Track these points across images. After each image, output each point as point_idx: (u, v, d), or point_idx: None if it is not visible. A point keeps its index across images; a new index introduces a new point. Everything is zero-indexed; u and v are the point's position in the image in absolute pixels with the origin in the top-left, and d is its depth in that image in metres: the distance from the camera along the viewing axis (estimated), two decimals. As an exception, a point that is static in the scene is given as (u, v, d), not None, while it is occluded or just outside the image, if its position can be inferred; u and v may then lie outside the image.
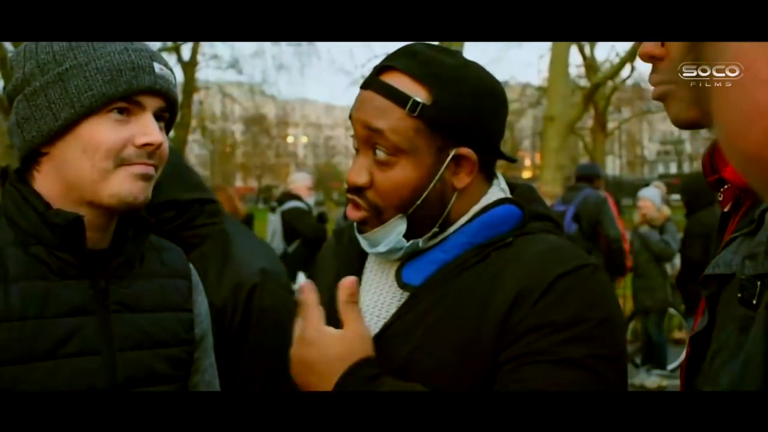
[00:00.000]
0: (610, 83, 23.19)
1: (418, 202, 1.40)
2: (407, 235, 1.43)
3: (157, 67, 1.43)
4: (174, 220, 2.22)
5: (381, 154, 1.39)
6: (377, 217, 1.43)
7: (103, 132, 1.37)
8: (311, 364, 1.35)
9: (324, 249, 1.77)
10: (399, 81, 1.40)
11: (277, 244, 8.77)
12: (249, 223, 8.30)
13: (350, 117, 1.47)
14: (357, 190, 1.43)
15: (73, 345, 1.38)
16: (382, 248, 1.44)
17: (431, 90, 1.37)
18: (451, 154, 1.40)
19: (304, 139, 74.84)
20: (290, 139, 70.30)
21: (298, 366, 1.38)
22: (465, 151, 1.40)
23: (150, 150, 1.40)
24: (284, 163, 62.04)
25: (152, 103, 1.42)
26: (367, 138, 1.41)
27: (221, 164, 56.81)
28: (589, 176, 7.81)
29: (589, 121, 28.35)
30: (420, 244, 1.44)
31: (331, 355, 1.34)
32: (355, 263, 1.58)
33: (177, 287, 1.60)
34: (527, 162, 45.99)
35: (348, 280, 1.39)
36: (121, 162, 1.38)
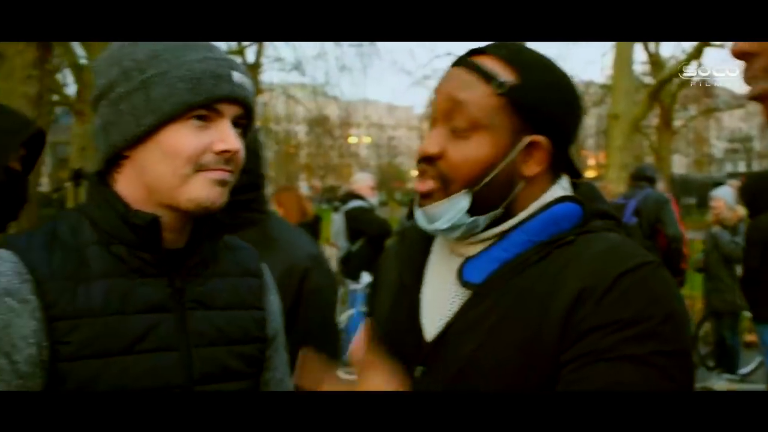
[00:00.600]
0: (676, 80, 22.77)
1: (486, 179, 1.41)
2: (470, 213, 1.43)
3: (235, 75, 1.47)
4: (240, 192, 2.30)
5: (458, 126, 1.41)
6: (444, 188, 1.43)
7: (184, 138, 1.42)
8: None
9: (387, 250, 1.80)
10: (489, 62, 1.43)
11: (342, 243, 8.85)
12: (317, 224, 8.35)
13: (435, 90, 1.49)
14: (428, 159, 1.45)
15: (150, 341, 1.44)
16: (442, 223, 1.44)
17: (520, 73, 1.41)
18: (528, 140, 1.41)
19: (366, 140, 74.78)
20: (353, 140, 70.36)
21: None
22: (540, 138, 1.42)
23: (227, 156, 1.45)
24: (347, 163, 62.10)
25: (230, 111, 1.47)
26: (449, 110, 1.43)
27: (285, 165, 57.14)
28: (649, 177, 7.72)
29: (654, 119, 27.83)
30: (481, 221, 1.44)
31: None
32: (417, 263, 1.60)
33: (250, 286, 1.64)
34: (591, 161, 45.42)
35: (354, 350, 1.38)
36: (199, 168, 1.43)
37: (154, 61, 1.44)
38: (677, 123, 30.02)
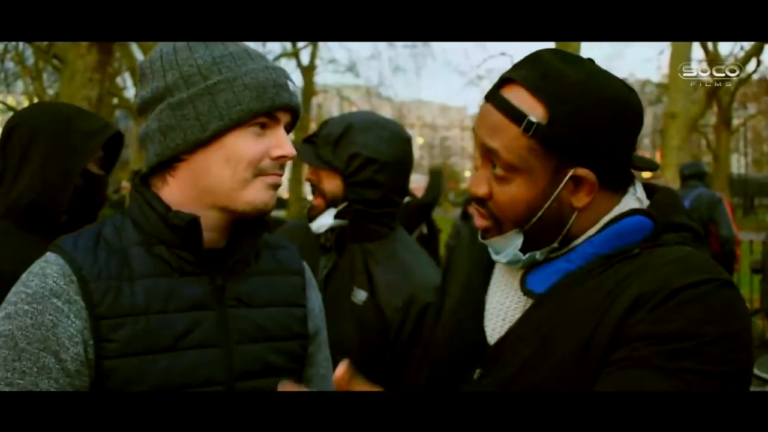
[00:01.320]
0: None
1: (534, 219, 1.40)
2: (525, 248, 1.44)
3: (290, 84, 1.52)
4: (379, 205, 2.34)
5: (498, 170, 1.39)
6: (497, 227, 1.45)
7: (246, 144, 1.47)
8: None
9: (460, 248, 1.81)
10: (518, 96, 1.37)
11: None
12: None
13: (473, 129, 1.46)
14: (479, 200, 1.46)
15: (192, 338, 1.48)
16: (502, 258, 1.47)
17: (548, 107, 1.34)
18: (569, 174, 1.37)
19: (420, 140, 74.67)
20: (406, 141, 70.27)
21: None
22: (583, 172, 1.37)
23: (284, 162, 1.51)
24: (400, 164, 61.99)
25: (285, 118, 1.53)
26: (485, 155, 1.42)
27: (339, 166, 57.13)
28: (698, 174, 7.57)
29: (712, 118, 27.42)
30: (537, 256, 1.45)
31: None
32: (485, 266, 1.61)
33: (291, 284, 1.68)
34: (647, 161, 44.47)
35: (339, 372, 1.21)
36: (258, 172, 1.48)
37: (215, 67, 1.48)
38: (736, 122, 29.52)
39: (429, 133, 76.73)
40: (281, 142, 1.50)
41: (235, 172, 1.47)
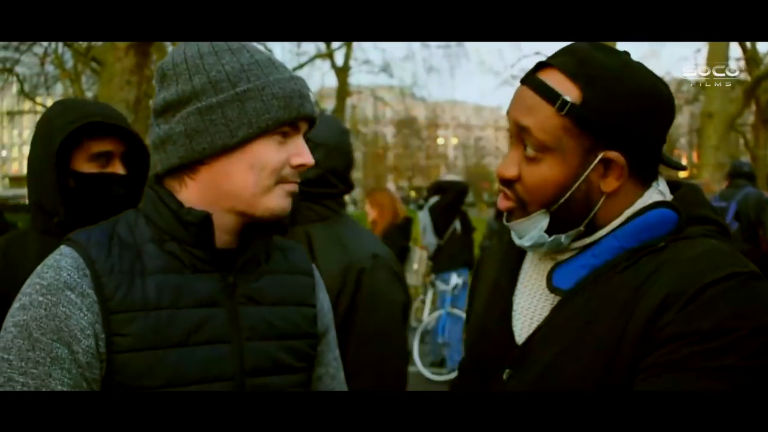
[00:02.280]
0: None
1: (562, 200, 1.41)
2: (551, 231, 1.43)
3: (311, 95, 1.56)
4: (317, 185, 2.40)
5: (529, 150, 1.41)
6: (522, 209, 1.45)
7: (270, 152, 1.49)
8: None
9: (484, 248, 1.82)
10: (553, 78, 1.39)
11: (429, 239, 8.90)
12: (408, 225, 8.38)
13: (507, 112, 1.48)
14: (506, 182, 1.46)
15: (203, 334, 1.49)
16: (526, 241, 1.46)
17: (583, 89, 1.36)
18: (599, 156, 1.38)
19: (454, 141, 74.69)
20: (440, 141, 70.39)
21: None
22: (614, 155, 1.38)
23: (303, 170, 1.54)
24: (435, 164, 62.11)
25: (304, 127, 1.56)
26: (518, 133, 1.43)
27: (373, 166, 57.45)
28: (748, 173, 7.41)
29: (750, 117, 27.14)
30: (562, 239, 1.44)
31: None
32: (513, 264, 1.61)
33: (300, 283, 1.69)
34: (684, 161, 44.21)
35: None
36: (279, 180, 1.51)
37: (243, 75, 1.50)
38: (774, 120, 29.08)
39: (463, 133, 76.65)
40: (301, 150, 1.53)
41: (259, 178, 1.49)
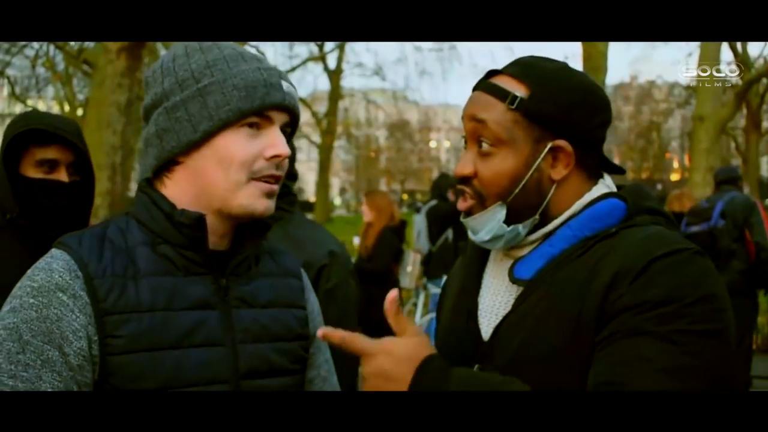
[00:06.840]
0: (765, 80, 22.18)
1: (516, 190, 1.51)
2: (508, 223, 1.53)
3: (284, 84, 1.54)
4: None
5: (485, 146, 1.52)
6: (480, 204, 1.54)
7: (237, 145, 1.48)
8: (383, 372, 1.39)
9: (458, 260, 1.86)
10: (503, 81, 1.54)
11: (423, 243, 8.91)
12: (403, 228, 8.36)
13: (462, 115, 1.59)
14: (464, 180, 1.56)
15: (197, 336, 1.49)
16: (484, 234, 1.55)
17: (530, 86, 1.50)
18: (549, 145, 1.50)
19: (446, 144, 74.64)
20: (433, 144, 70.39)
21: (372, 379, 1.40)
22: (561, 143, 1.50)
23: (278, 161, 1.52)
24: (427, 167, 62.17)
25: (280, 118, 1.53)
26: (474, 131, 1.55)
27: (366, 169, 57.49)
28: (731, 178, 7.46)
29: (741, 121, 27.24)
30: (520, 229, 1.53)
31: (401, 358, 1.39)
32: (477, 268, 1.69)
33: (291, 286, 1.70)
34: (675, 164, 44.39)
35: (390, 295, 1.43)
36: (252, 175, 1.49)
37: (208, 70, 1.50)
38: (766, 124, 29.23)
39: (455, 136, 76.56)
40: (275, 141, 1.51)
41: (228, 174, 1.48)
